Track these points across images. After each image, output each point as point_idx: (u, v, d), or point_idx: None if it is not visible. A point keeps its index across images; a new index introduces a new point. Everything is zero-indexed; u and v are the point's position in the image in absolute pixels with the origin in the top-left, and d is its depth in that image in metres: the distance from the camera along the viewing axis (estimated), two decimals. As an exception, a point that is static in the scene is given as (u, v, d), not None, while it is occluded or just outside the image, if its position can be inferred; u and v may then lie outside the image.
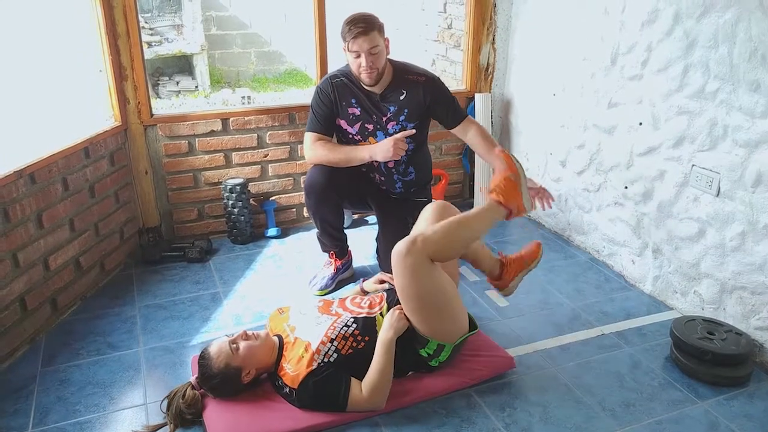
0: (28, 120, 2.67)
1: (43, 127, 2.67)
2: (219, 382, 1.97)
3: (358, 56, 2.42)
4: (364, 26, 2.38)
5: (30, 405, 2.09)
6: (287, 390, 1.98)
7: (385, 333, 2.01)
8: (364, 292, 2.39)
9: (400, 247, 1.96)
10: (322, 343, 1.98)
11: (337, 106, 2.59)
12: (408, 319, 2.07)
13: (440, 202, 2.35)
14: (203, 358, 1.99)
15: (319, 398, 1.94)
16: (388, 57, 2.54)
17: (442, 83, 2.65)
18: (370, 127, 2.61)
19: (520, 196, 2.11)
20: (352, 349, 2.01)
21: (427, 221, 2.23)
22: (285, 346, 2.05)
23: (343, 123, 2.64)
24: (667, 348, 2.37)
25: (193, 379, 2.04)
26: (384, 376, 1.97)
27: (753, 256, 2.28)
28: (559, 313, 2.64)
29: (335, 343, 1.99)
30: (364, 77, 2.46)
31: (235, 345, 1.98)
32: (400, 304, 2.11)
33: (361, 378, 2.00)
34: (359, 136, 2.65)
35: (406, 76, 2.57)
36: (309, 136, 2.65)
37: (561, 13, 3.14)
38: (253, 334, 2.04)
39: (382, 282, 2.36)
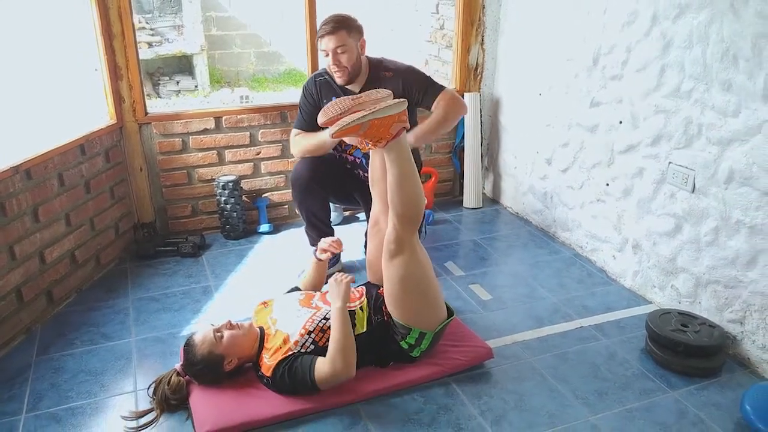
0: (25, 117, 2.76)
1: (41, 125, 2.75)
2: (202, 368, 2.05)
3: (327, 55, 2.51)
4: (331, 26, 2.49)
5: (24, 391, 2.17)
6: (265, 379, 2.06)
7: (334, 304, 2.08)
8: (319, 260, 2.40)
9: (391, 247, 2.08)
10: (300, 335, 2.06)
11: (320, 103, 2.67)
12: (389, 313, 2.16)
13: (374, 171, 2.30)
14: (188, 345, 2.07)
15: (290, 382, 2.01)
16: (366, 55, 2.62)
17: (412, 71, 2.69)
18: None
19: (385, 122, 1.99)
20: (328, 341, 2.08)
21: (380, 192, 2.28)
22: (266, 338, 2.13)
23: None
24: (643, 340, 2.44)
25: (178, 365, 2.12)
26: (341, 344, 2.01)
27: (726, 250, 2.35)
28: (540, 307, 2.71)
29: (312, 335, 2.07)
30: (336, 77, 2.55)
31: (219, 333, 2.06)
32: (374, 297, 2.22)
33: None
34: None
35: (379, 73, 2.65)
36: (293, 133, 2.75)
37: (547, 15, 3.21)
38: (237, 324, 2.12)
39: (324, 251, 2.37)
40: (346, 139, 2.13)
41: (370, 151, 2.22)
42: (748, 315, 2.29)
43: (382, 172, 2.19)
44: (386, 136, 2.00)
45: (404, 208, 2.05)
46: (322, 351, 2.05)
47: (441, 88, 2.69)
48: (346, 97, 2.07)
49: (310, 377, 2.00)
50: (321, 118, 2.06)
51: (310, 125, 2.72)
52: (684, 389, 2.19)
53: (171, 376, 2.09)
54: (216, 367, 2.05)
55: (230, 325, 2.10)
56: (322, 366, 2.01)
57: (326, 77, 2.69)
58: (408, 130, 2.08)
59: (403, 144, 2.05)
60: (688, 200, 2.48)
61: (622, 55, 2.72)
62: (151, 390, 2.09)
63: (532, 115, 3.44)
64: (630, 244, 2.82)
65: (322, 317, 2.13)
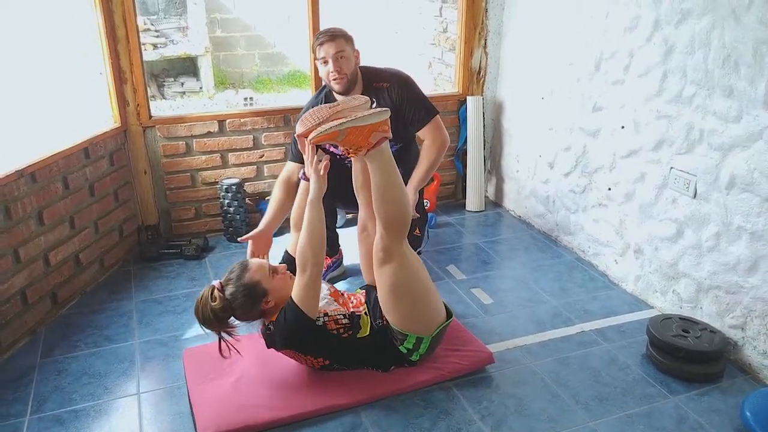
0: (31, 120, 2.78)
1: (46, 128, 2.77)
2: (244, 291, 2.04)
3: (326, 62, 2.51)
4: (330, 34, 2.50)
5: (29, 393, 2.19)
6: (267, 326, 2.11)
7: (309, 195, 2.10)
8: (308, 179, 2.26)
9: (380, 255, 2.09)
10: (318, 311, 2.10)
11: None
12: (386, 317, 2.17)
13: (357, 178, 2.28)
14: (241, 265, 2.09)
15: (284, 319, 2.05)
16: (359, 65, 2.62)
17: (407, 86, 2.68)
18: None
19: (364, 130, 1.98)
20: (336, 332, 2.12)
21: (365, 200, 2.28)
22: None
23: (327, 146, 2.73)
24: (644, 345, 2.44)
25: (216, 282, 2.09)
26: (308, 229, 2.05)
27: (727, 256, 2.35)
28: (541, 311, 2.72)
29: (326, 317, 2.11)
30: (334, 84, 2.53)
31: (274, 271, 2.10)
32: (373, 302, 2.24)
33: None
34: (344, 153, 2.72)
35: (373, 85, 2.63)
36: (285, 167, 2.71)
37: (549, 19, 3.22)
38: (289, 273, 2.16)
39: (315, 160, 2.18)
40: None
41: (352, 158, 2.22)
42: (749, 321, 2.30)
43: (364, 180, 2.20)
44: (365, 145, 2.00)
45: (389, 217, 2.05)
46: (325, 331, 2.09)
47: (432, 113, 2.70)
48: (323, 105, 2.07)
49: (291, 299, 2.03)
50: (299, 128, 2.04)
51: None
52: (684, 395, 2.19)
53: (213, 293, 2.05)
54: (256, 298, 2.05)
55: (284, 270, 2.15)
56: (296, 277, 2.04)
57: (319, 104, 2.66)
58: (398, 143, 2.07)
59: (385, 153, 2.04)
60: (690, 205, 2.48)
61: (624, 60, 2.72)
62: (195, 312, 2.07)
63: (534, 119, 3.44)
64: (632, 248, 2.82)
65: (342, 314, 2.16)
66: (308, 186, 2.28)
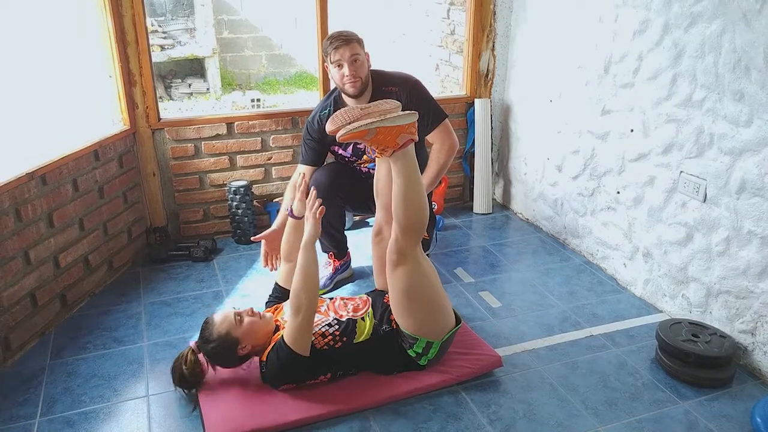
0: (41, 123, 2.79)
1: (56, 130, 2.78)
2: (216, 347, 2.08)
3: (341, 66, 2.50)
4: (344, 38, 2.49)
5: (38, 395, 2.20)
6: (261, 365, 2.12)
7: (303, 238, 2.11)
8: (294, 217, 2.35)
9: (393, 257, 2.09)
10: None
11: (327, 137, 2.62)
12: (398, 321, 2.17)
13: (380, 179, 2.30)
14: (207, 323, 2.12)
15: (276, 358, 2.06)
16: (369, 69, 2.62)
17: (416, 88, 2.68)
18: (362, 146, 2.70)
19: (392, 131, 2.01)
20: (327, 347, 2.12)
21: (384, 205, 2.29)
22: (277, 334, 2.17)
23: (336, 149, 2.75)
24: (653, 350, 2.43)
25: (192, 343, 2.15)
26: (301, 273, 2.04)
27: (737, 261, 2.34)
28: (550, 315, 2.71)
29: (312, 338, 2.10)
30: (348, 87, 2.52)
31: (239, 317, 2.10)
32: (381, 307, 2.24)
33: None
34: (354, 157, 2.75)
35: (382, 89, 2.62)
36: (297, 169, 2.77)
37: (558, 22, 3.21)
38: (258, 312, 2.17)
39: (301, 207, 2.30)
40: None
41: (377, 160, 2.24)
42: (759, 326, 2.28)
43: (386, 182, 2.21)
44: (392, 145, 2.02)
45: (408, 220, 2.06)
46: (317, 353, 2.09)
47: (442, 116, 2.71)
48: (354, 106, 2.08)
49: (283, 340, 2.05)
50: (329, 126, 2.07)
51: (314, 159, 2.74)
52: (694, 400, 2.19)
53: (187, 355, 2.13)
54: (230, 349, 2.08)
55: (252, 312, 2.15)
56: (288, 319, 2.06)
57: (329, 110, 2.65)
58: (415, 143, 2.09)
59: (410, 155, 2.05)
60: (700, 210, 2.47)
61: (633, 63, 2.71)
62: (171, 372, 2.15)
63: (542, 122, 3.44)
64: (641, 252, 2.81)
65: (326, 323, 2.16)
66: (295, 223, 2.35)
